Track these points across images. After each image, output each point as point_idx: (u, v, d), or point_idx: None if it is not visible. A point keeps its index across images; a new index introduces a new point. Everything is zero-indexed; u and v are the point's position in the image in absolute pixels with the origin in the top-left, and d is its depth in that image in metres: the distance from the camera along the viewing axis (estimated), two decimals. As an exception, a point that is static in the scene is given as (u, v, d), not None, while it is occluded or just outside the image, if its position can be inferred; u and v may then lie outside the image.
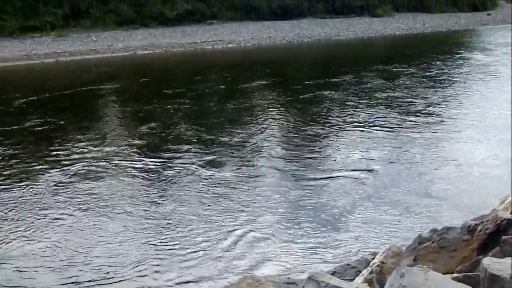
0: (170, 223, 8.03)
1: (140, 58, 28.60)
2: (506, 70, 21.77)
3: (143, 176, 10.15)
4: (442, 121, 13.72)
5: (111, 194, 9.23)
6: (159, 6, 38.66)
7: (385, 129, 13.00)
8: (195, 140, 12.65)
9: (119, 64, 26.82)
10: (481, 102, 15.79)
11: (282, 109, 15.83)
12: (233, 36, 35.48)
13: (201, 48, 31.55)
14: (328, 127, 13.52)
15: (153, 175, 10.20)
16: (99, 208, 8.62)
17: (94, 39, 32.33)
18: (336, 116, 14.54)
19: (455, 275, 4.67)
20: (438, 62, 24.26)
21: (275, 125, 13.88)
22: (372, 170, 10.27)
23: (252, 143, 12.33)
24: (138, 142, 12.55)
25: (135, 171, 10.43)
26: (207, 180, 9.83)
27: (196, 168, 10.50)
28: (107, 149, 11.96)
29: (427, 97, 16.53)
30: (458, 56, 26.89)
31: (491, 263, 3.66)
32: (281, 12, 44.13)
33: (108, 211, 8.51)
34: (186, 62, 28.00)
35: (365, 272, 5.49)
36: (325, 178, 10.00)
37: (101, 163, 10.81)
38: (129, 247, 7.32)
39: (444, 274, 4.69)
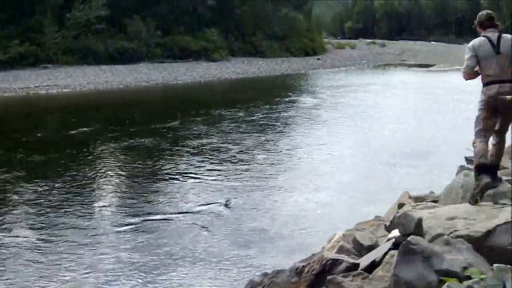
0: None
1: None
2: (328, 113, 23.13)
3: None
4: (255, 166, 14.01)
5: None
6: (-11, 49, 36.55)
7: (196, 178, 12.90)
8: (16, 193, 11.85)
9: None
10: (298, 147, 16.43)
11: (105, 157, 15.35)
12: (69, 80, 34.25)
13: (35, 93, 30.06)
14: (136, 177, 13.28)
15: None
16: None
17: None
18: (149, 166, 14.30)
19: None
20: (267, 106, 25.07)
21: (99, 176, 13.39)
22: (195, 217, 10.22)
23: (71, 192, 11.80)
24: None
25: None
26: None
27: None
28: None
29: (245, 143, 16.83)
30: (287, 99, 28.03)
31: None
32: (119, 56, 43.56)
33: None
34: (17, 107, 26.48)
35: None
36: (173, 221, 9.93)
37: None
38: None
39: None
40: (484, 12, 6.58)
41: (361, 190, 11.74)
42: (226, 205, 10.70)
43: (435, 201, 7.60)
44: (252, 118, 21.70)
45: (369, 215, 8.35)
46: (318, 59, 59.08)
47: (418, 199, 8.38)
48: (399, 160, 14.39)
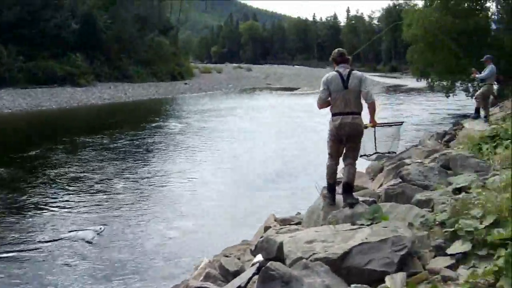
0: None
1: None
2: (194, 138, 23.18)
3: None
4: (115, 196, 13.54)
5: None
6: None
7: (51, 211, 12.23)
8: None
9: None
10: (162, 174, 16.10)
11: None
12: None
13: None
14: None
15: None
16: None
17: None
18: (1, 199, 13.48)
19: None
20: (133, 132, 24.60)
21: None
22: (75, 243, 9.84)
23: None
24: None
25: None
26: None
27: None
28: None
29: (106, 171, 16.33)
30: (153, 124, 27.76)
31: None
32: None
33: None
34: None
35: None
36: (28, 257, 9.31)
37: None
38: None
39: None
40: (336, 50, 7.40)
41: (228, 215, 11.82)
42: (85, 238, 10.23)
43: (299, 223, 7.88)
44: (116, 145, 21.20)
45: (236, 239, 8.47)
46: (185, 83, 59.39)
47: (284, 222, 8.64)
48: (265, 183, 14.67)
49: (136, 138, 22.85)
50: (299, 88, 56.27)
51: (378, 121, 7.52)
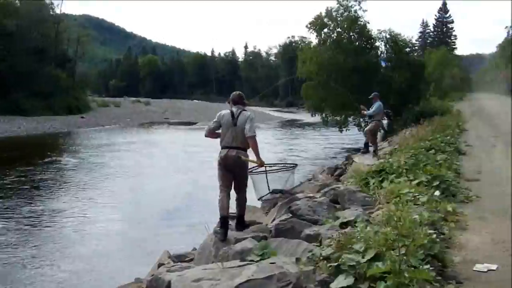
0: None
1: None
2: (87, 174, 22.58)
3: None
4: None
5: None
6: None
7: None
8: None
9: None
10: (47, 213, 15.30)
11: None
12: None
13: None
14: None
15: None
16: None
17: None
18: None
19: None
20: (22, 168, 23.50)
21: None
22: None
23: None
24: None
25: None
26: None
27: None
28: None
29: None
30: (46, 160, 26.61)
31: None
32: None
33: None
34: None
35: None
36: None
37: None
38: None
39: None
40: (237, 92, 8.40)
41: (121, 253, 11.60)
42: None
43: (192, 260, 7.87)
44: (5, 181, 20.16)
45: (131, 276, 8.34)
46: (82, 117, 58.03)
47: (179, 257, 8.61)
48: (160, 220, 14.54)
49: (25, 175, 21.85)
50: (197, 123, 56.44)
51: (273, 159, 8.24)
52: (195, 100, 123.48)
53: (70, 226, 13.98)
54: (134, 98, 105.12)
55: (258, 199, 9.38)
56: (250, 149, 7.90)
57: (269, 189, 8.94)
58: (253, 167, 8.32)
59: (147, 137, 42.32)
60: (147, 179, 21.39)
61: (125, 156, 28.69)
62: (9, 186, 19.38)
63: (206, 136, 8.26)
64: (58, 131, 45.25)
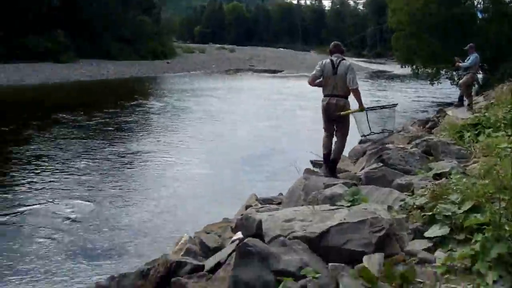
0: None
1: None
2: (175, 118, 23.01)
3: None
4: (89, 175, 13.15)
5: None
6: None
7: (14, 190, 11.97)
8: None
9: None
10: (141, 153, 15.79)
11: None
12: None
13: None
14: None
15: None
16: None
17: None
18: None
19: None
20: (111, 110, 24.06)
21: None
22: (53, 222, 9.72)
23: None
24: None
25: None
26: None
27: None
28: None
29: (78, 149, 15.92)
30: (134, 103, 27.42)
31: None
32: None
33: None
34: None
35: None
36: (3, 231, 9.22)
37: None
38: None
39: None
40: (333, 42, 8.89)
41: (209, 194, 11.78)
42: (59, 216, 10.07)
43: (280, 203, 7.92)
44: (91, 122, 20.89)
45: (218, 217, 8.48)
46: (168, 62, 58.99)
47: (265, 201, 8.69)
48: (246, 164, 14.62)
49: (110, 117, 22.49)
50: (282, 71, 56.17)
51: (371, 105, 8.63)
52: (280, 49, 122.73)
53: (152, 168, 14.24)
54: (219, 45, 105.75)
55: (362, 136, 10.30)
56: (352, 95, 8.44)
57: (370, 129, 9.56)
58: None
59: (231, 83, 42.51)
60: (230, 124, 21.54)
61: (209, 102, 28.96)
62: (94, 127, 20.07)
63: (309, 83, 8.58)
64: (144, 76, 46.26)
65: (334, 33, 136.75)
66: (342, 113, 8.25)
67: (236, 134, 19.30)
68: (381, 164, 7.83)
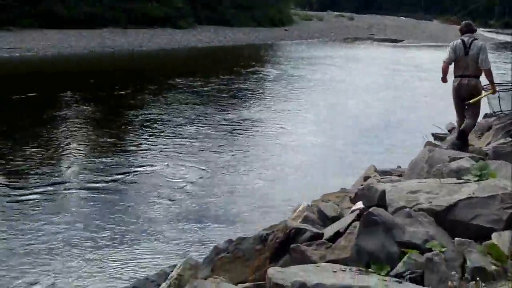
0: None
1: None
2: (292, 86, 23.00)
3: None
4: (211, 141, 13.54)
5: None
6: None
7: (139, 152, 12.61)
8: None
9: None
10: (260, 120, 16.03)
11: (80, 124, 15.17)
12: (32, 43, 33.34)
13: (-3, 55, 29.20)
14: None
15: None
16: None
17: None
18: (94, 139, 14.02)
19: (246, 284, 4.68)
20: (229, 76, 24.74)
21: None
22: (170, 185, 10.15)
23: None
24: None
25: None
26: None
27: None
28: None
29: (199, 116, 16.38)
30: (251, 69, 27.80)
31: (275, 273, 3.68)
32: (83, 20, 42.02)
33: None
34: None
35: (164, 285, 5.38)
36: (125, 192, 9.78)
37: None
38: None
39: (239, 283, 4.69)
40: (464, 22, 8.76)
41: (326, 163, 11.76)
42: (177, 179, 10.45)
43: (400, 175, 7.75)
44: (206, 88, 21.31)
45: (335, 187, 8.45)
46: (285, 30, 58.86)
47: (384, 173, 8.54)
48: (365, 135, 14.41)
49: (226, 83, 22.87)
50: (402, 41, 54.46)
51: (497, 79, 8.44)
52: (401, 17, 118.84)
53: (266, 136, 14.36)
54: (337, 13, 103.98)
55: (492, 114, 10.36)
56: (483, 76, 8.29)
57: (500, 109, 9.68)
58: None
59: (350, 52, 41.78)
60: (347, 94, 21.29)
61: (329, 71, 28.68)
62: (208, 93, 20.50)
63: (443, 69, 8.36)
64: (261, 43, 46.48)
65: (459, 1, 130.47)
66: (471, 101, 8.09)
67: (353, 104, 19.04)
68: (510, 139, 7.48)
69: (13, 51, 30.67)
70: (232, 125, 15.40)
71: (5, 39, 33.59)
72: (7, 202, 9.07)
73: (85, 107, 17.32)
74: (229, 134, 14.42)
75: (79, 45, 34.84)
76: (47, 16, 40.68)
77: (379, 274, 3.79)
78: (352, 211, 5.32)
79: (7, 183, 10.06)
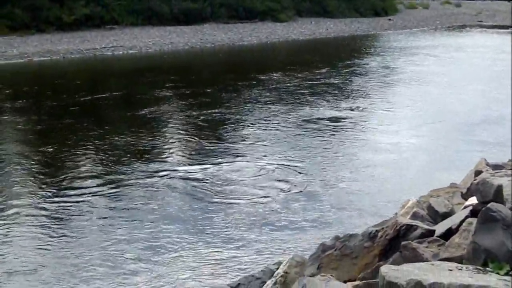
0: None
1: (36, 65, 27.34)
2: (398, 77, 22.45)
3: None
4: (321, 134, 13.66)
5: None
6: (56, 11, 36.78)
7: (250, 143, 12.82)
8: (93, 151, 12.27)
9: (13, 71, 25.65)
10: (367, 111, 15.99)
11: (184, 120, 15.63)
12: (134, 41, 34.52)
13: (101, 54, 30.52)
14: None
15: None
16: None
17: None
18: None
19: (356, 283, 4.63)
20: (329, 68, 24.62)
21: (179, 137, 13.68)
22: (279, 179, 10.23)
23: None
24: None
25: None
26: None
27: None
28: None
29: (303, 109, 16.47)
30: (354, 61, 27.50)
31: (389, 271, 3.62)
32: (183, 17, 43.07)
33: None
34: (85, 69, 27.05)
35: (269, 282, 5.41)
36: (229, 187, 9.99)
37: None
38: None
39: (347, 281, 4.65)
40: None
41: (433, 157, 11.48)
42: (281, 179, 10.48)
43: (515, 170, 7.36)
44: (301, 83, 21.26)
45: (443, 182, 8.16)
46: (389, 19, 57.52)
47: (497, 167, 8.13)
48: (474, 128, 13.93)
49: (321, 77, 22.59)
50: (515, 27, 51.74)
51: None
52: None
53: (361, 132, 14.16)
54: (443, 0, 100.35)
55: None
56: None
57: None
58: None
59: (459, 41, 40.06)
60: (461, 84, 20.61)
61: (437, 61, 27.65)
62: (291, 89, 20.34)
63: None
64: (364, 33, 45.64)
65: None
66: None
67: (466, 95, 18.37)
68: None
69: (116, 49, 31.89)
70: (323, 122, 15.28)
71: (108, 38, 35.01)
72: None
73: (181, 103, 17.87)
74: (322, 131, 14.31)
75: (180, 42, 35.68)
76: (147, 14, 41.79)
77: (497, 274, 3.61)
78: (465, 207, 5.11)
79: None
